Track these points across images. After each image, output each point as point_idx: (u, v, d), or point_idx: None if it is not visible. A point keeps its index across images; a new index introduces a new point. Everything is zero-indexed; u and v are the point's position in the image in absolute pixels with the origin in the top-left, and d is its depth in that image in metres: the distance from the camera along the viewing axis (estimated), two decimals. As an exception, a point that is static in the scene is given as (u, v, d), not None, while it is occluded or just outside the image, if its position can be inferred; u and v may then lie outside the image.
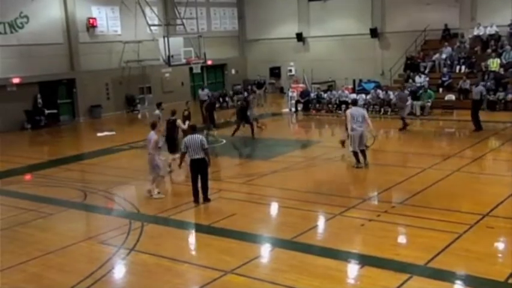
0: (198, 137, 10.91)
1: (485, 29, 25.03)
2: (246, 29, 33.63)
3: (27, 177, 14.93)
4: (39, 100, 23.83)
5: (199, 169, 10.94)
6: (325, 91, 25.51)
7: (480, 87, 18.63)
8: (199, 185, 11.02)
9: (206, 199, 11.11)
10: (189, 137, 10.96)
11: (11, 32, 22.90)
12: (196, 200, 11.08)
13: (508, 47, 23.42)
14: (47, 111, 23.89)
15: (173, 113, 14.31)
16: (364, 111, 13.41)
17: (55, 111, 24.68)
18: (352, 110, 13.21)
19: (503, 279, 7.14)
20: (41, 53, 23.56)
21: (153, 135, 11.50)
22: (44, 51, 23.72)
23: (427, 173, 12.86)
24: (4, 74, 22.44)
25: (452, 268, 7.56)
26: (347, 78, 27.24)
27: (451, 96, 22.62)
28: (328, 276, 7.51)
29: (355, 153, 13.35)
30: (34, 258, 8.70)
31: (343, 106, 23.50)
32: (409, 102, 19.47)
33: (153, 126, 11.71)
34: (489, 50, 23.94)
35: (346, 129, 13.69)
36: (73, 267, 8.39)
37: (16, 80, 22.92)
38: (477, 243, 8.37)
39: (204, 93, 23.25)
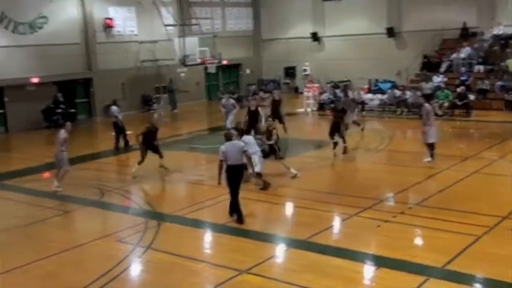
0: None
1: (504, 28, 24.68)
2: (261, 29, 33.59)
3: (45, 175, 15.08)
4: (61, 99, 24.07)
5: None
6: (340, 90, 25.25)
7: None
8: None
9: None
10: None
11: (31, 33, 23.21)
12: None
13: (526, 47, 23.08)
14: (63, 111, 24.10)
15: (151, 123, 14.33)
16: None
17: (73, 110, 24.94)
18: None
19: (522, 283, 7.04)
20: (59, 53, 23.81)
21: (62, 133, 12.65)
22: (62, 51, 23.95)
23: (444, 174, 12.72)
24: (23, 74, 22.74)
25: (470, 271, 7.46)
26: (362, 78, 27.00)
27: (470, 96, 22.32)
28: (343, 277, 7.47)
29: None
30: (50, 255, 8.77)
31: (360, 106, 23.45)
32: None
33: (61, 125, 13.04)
34: (508, 50, 23.58)
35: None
36: (89, 265, 8.47)
37: (35, 80, 23.22)
38: (496, 246, 8.26)
39: (115, 109, 18.40)
